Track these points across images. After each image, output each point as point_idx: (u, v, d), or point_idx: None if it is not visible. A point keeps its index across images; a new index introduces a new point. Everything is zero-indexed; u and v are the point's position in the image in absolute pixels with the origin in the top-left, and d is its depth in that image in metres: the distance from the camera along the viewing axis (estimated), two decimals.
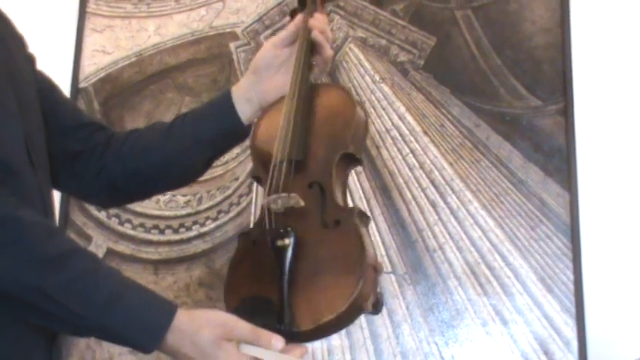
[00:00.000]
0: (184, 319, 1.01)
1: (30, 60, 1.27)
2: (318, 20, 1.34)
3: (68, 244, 1.03)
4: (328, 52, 1.33)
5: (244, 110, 1.33)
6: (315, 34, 1.31)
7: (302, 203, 1.14)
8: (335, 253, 1.10)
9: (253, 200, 2.05)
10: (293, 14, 1.40)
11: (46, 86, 1.30)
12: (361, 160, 1.25)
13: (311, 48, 1.33)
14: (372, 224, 1.41)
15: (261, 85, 1.33)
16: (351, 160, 1.24)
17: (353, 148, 1.22)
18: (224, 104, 1.34)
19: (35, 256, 0.98)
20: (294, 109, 1.25)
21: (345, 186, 1.23)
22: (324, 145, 1.22)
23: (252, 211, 2.05)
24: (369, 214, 1.25)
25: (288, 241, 1.10)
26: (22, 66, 1.20)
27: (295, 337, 1.05)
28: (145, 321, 1.00)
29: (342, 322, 1.07)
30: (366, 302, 1.08)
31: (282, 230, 1.11)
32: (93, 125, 1.37)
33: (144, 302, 1.02)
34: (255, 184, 2.05)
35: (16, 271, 0.96)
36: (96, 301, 0.98)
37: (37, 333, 1.09)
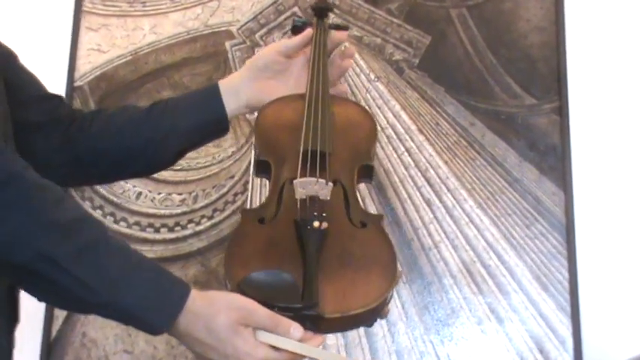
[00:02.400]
0: (199, 302, 0.95)
1: None
2: (343, 36, 1.36)
3: (79, 211, 0.96)
4: (348, 64, 1.34)
5: (229, 103, 1.29)
6: (349, 50, 1.33)
7: (328, 197, 1.11)
8: (365, 251, 1.07)
9: (248, 199, 2.05)
10: (298, 29, 1.38)
11: (4, 54, 1.22)
12: (372, 178, 1.25)
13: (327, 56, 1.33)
14: None
15: (253, 84, 1.29)
16: (366, 174, 1.22)
17: (372, 162, 1.23)
18: (210, 94, 1.30)
19: (45, 221, 0.91)
20: (322, 103, 1.23)
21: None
22: (346, 150, 1.21)
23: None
24: None
25: (326, 225, 1.05)
26: None
27: (315, 321, 0.99)
28: (157, 300, 0.94)
29: (363, 319, 1.03)
30: (386, 307, 1.06)
31: (317, 214, 1.07)
32: (56, 98, 1.31)
33: (157, 280, 0.95)
34: (250, 183, 2.05)
35: (25, 237, 0.90)
36: (107, 274, 0.92)
37: None
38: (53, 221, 0.92)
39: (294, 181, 1.12)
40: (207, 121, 1.29)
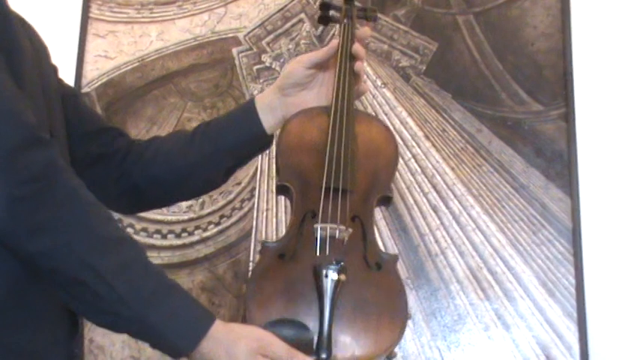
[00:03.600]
0: (221, 329, 1.02)
1: (53, 70, 1.29)
2: (365, 34, 1.36)
3: (123, 231, 1.06)
4: (359, 66, 1.34)
5: (268, 119, 1.33)
6: (358, 50, 1.32)
7: (346, 238, 1.15)
8: (378, 296, 1.12)
9: (255, 205, 2.06)
10: (325, 19, 1.41)
11: (70, 93, 1.32)
12: (390, 206, 1.28)
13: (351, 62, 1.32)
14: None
15: (286, 99, 1.33)
16: (384, 202, 1.26)
17: (392, 192, 1.25)
18: (247, 112, 1.34)
19: (94, 235, 0.99)
20: (345, 133, 1.23)
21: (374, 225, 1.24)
22: (366, 180, 1.23)
23: (255, 215, 2.05)
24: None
25: (344, 277, 1.10)
26: (49, 75, 1.22)
27: None
28: (185, 322, 1.01)
29: None
30: (394, 351, 1.12)
31: (335, 263, 1.11)
32: (114, 130, 1.38)
33: (186, 304, 1.02)
34: (257, 189, 2.06)
35: (75, 247, 0.97)
36: (142, 290, 0.99)
37: (58, 330, 1.10)
38: (100, 236, 1.00)
39: (314, 226, 1.16)
40: (247, 138, 1.33)
